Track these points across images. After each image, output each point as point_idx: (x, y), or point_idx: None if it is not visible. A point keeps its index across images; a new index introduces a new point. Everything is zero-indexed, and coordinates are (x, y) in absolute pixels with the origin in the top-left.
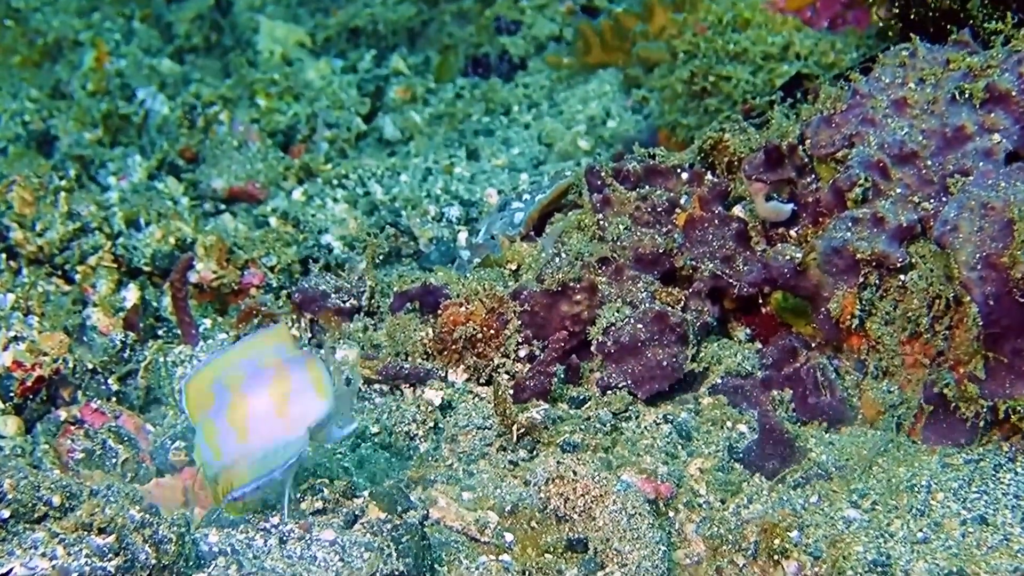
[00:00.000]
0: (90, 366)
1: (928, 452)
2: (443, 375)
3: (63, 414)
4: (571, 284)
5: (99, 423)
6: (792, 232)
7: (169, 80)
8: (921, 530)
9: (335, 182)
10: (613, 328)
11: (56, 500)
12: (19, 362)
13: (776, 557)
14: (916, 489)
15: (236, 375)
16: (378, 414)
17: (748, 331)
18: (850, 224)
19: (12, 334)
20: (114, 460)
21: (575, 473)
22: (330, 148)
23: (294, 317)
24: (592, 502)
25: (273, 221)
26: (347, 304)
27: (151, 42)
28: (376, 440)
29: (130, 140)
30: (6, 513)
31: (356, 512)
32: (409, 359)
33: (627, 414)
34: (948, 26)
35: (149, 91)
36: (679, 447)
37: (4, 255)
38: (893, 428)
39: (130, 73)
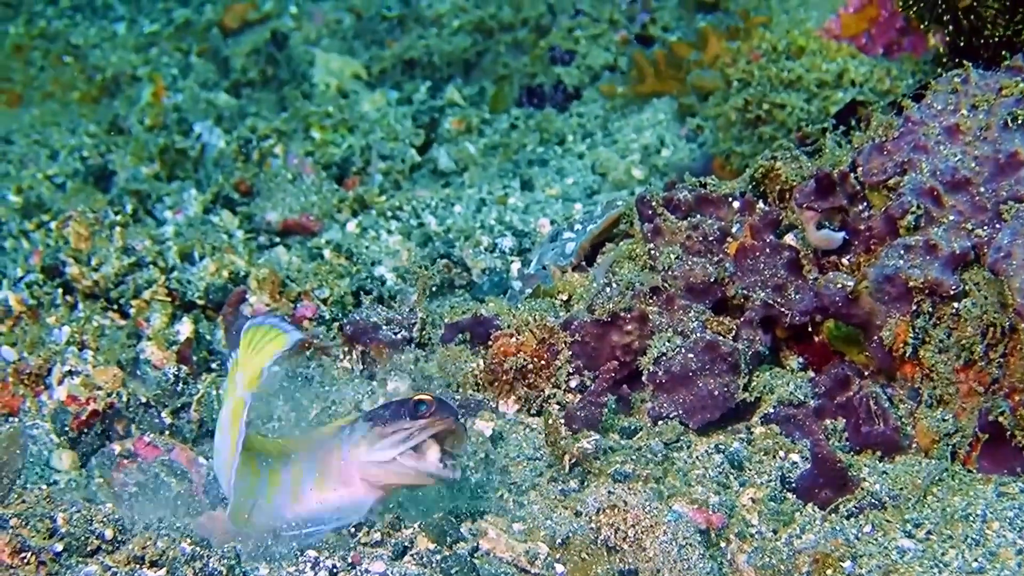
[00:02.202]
0: (144, 400)
1: (983, 481)
2: (494, 406)
3: (117, 448)
4: (622, 314)
5: (152, 456)
6: (844, 260)
7: (226, 114)
8: (976, 560)
9: (389, 214)
10: (664, 358)
11: (108, 533)
12: (74, 396)
13: None
14: (971, 518)
15: None
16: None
17: (800, 360)
18: (902, 252)
19: (67, 368)
20: (167, 493)
21: (626, 503)
22: (384, 180)
23: (345, 349)
24: (643, 532)
25: (327, 253)
26: (398, 336)
27: (208, 76)
28: None
29: (187, 174)
30: (59, 547)
31: (406, 543)
32: (460, 390)
33: (678, 444)
34: (1002, 52)
35: (206, 125)
36: (731, 477)
37: (60, 290)
38: (948, 457)
39: (187, 107)
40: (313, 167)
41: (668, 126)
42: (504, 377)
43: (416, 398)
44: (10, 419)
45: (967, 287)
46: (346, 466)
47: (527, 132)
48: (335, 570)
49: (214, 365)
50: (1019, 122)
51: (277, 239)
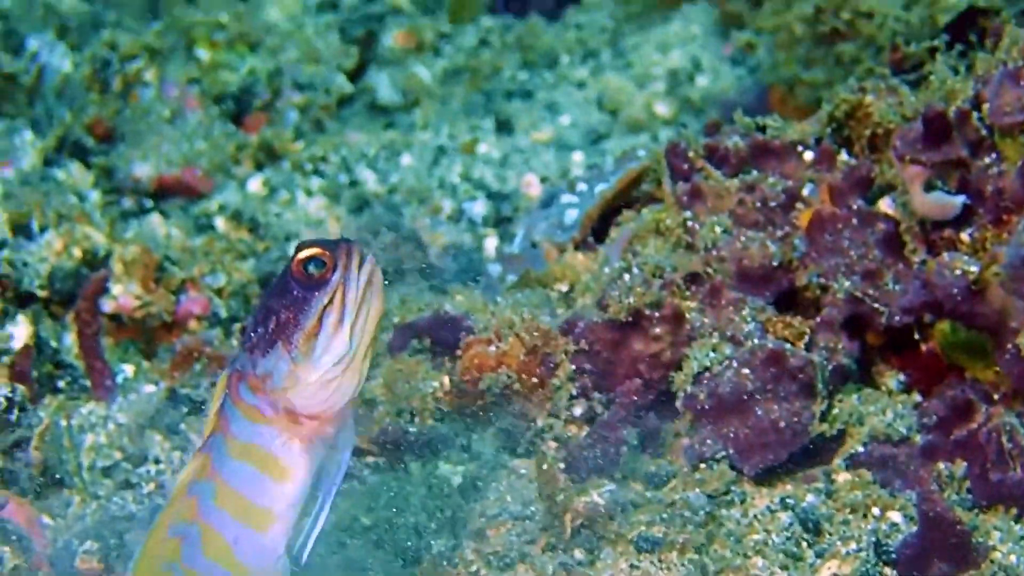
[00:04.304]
0: None
1: None
2: (465, 443)
3: None
4: (647, 312)
5: None
6: (964, 235)
7: (72, 23)
8: None
9: (309, 167)
10: (708, 375)
11: None
12: None
13: None
14: None
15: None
16: (372, 499)
17: (902, 377)
18: None
19: None
20: None
21: None
22: (301, 118)
23: None
24: None
25: (221, 223)
26: None
27: None
28: (370, 535)
29: (18, 110)
30: None
31: None
32: (416, 420)
33: (729, 497)
34: None
35: (44, 40)
36: (804, 544)
37: None
38: None
39: (18, 15)
40: (200, 100)
41: (705, 43)
42: (479, 402)
43: (299, 259)
44: None
45: None
46: (295, 422)
47: (504, 51)
48: None
49: (62, 384)
50: None
51: (149, 203)
